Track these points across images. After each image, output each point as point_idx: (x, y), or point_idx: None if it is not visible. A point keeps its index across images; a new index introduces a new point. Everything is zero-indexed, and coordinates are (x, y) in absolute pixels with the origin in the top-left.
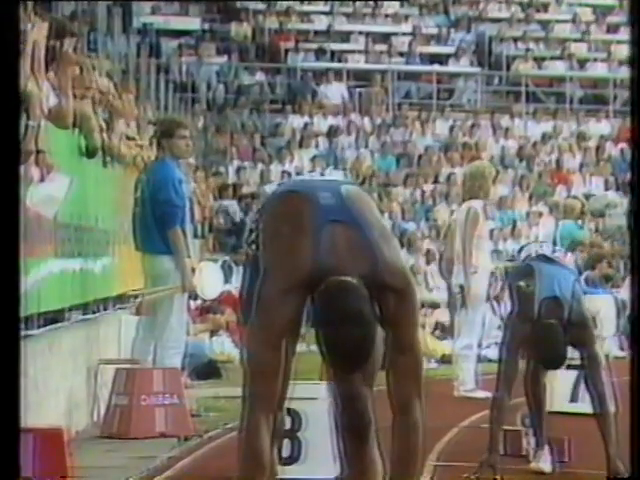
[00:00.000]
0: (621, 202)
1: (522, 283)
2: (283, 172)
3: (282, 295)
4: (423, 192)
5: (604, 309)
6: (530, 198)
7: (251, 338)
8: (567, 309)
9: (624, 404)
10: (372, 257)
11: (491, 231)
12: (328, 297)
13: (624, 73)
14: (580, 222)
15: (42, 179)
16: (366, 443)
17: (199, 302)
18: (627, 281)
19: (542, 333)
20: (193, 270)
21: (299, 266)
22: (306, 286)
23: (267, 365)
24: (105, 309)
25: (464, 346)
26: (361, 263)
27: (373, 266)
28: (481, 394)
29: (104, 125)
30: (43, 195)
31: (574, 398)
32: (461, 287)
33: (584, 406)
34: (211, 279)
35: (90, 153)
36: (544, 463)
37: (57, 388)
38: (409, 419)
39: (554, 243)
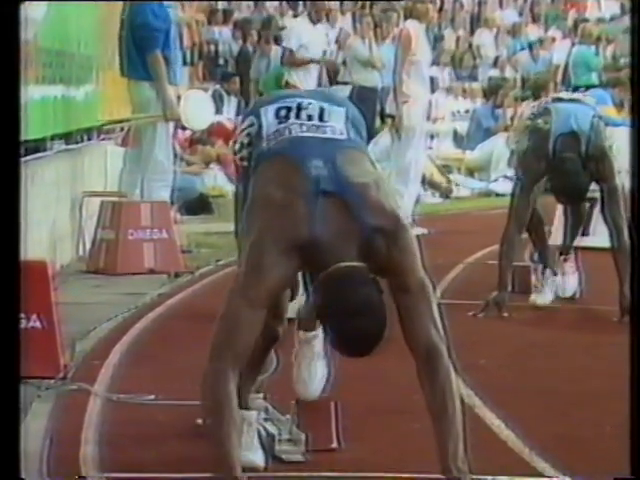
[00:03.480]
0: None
1: (539, 120)
2: None
3: (272, 259)
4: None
5: (620, 141)
6: (545, 22)
7: (234, 292)
8: (584, 143)
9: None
10: (365, 224)
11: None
12: (331, 287)
13: None
14: (595, 47)
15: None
16: None
17: (188, 133)
18: None
19: (560, 167)
20: (178, 98)
21: (293, 232)
22: (299, 252)
23: (243, 322)
24: (89, 139)
25: (398, 181)
26: (354, 236)
27: (366, 230)
28: (418, 230)
29: None
30: (21, 17)
31: (586, 232)
32: (391, 117)
33: (595, 239)
34: (199, 108)
35: None
36: (542, 297)
37: (39, 220)
38: (437, 365)
39: (565, 69)
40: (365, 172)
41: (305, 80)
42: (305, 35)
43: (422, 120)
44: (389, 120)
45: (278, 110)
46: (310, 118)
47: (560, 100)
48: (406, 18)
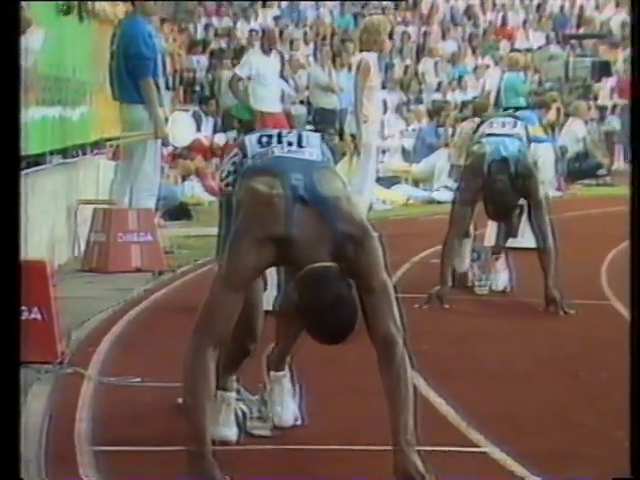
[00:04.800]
0: (561, 55)
1: (475, 147)
2: (251, 31)
3: (251, 244)
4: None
5: (545, 156)
6: (474, 52)
7: (216, 279)
8: (513, 165)
9: (563, 239)
10: (336, 230)
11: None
12: (309, 284)
13: None
14: (523, 74)
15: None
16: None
17: (171, 149)
18: (565, 128)
19: (492, 186)
20: (166, 119)
21: (271, 226)
22: (275, 245)
23: (224, 304)
24: (84, 154)
25: (355, 190)
26: (326, 241)
27: (337, 236)
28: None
29: None
30: (21, 47)
31: (515, 235)
32: (352, 136)
33: (523, 241)
34: (183, 127)
35: (66, 10)
36: (479, 290)
37: (40, 225)
38: (393, 353)
39: (498, 93)
40: (337, 188)
41: (267, 104)
42: (257, 64)
43: (377, 138)
44: (350, 138)
45: (260, 137)
46: (290, 144)
47: (492, 135)
48: (363, 49)
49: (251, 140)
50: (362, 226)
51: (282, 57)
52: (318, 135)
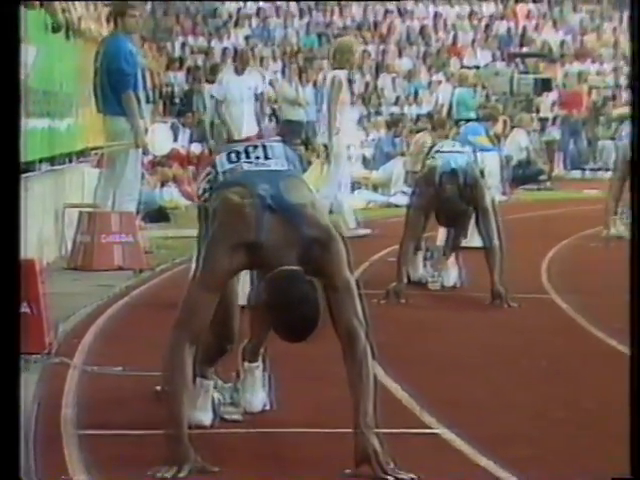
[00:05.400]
0: (506, 71)
1: (428, 161)
2: (224, 49)
3: (225, 250)
4: None
5: (491, 164)
6: (428, 69)
7: (194, 281)
8: (462, 176)
9: (507, 239)
10: (302, 235)
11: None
12: (276, 285)
13: None
14: (472, 89)
15: None
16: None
17: (151, 157)
18: (510, 138)
19: (442, 195)
20: (146, 130)
21: (242, 232)
22: (247, 250)
23: (200, 303)
24: (70, 162)
25: (325, 195)
26: (294, 244)
27: (303, 239)
28: (362, 232)
29: (65, 5)
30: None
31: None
32: (325, 146)
33: (472, 241)
34: (161, 138)
35: (55, 29)
36: (433, 285)
37: (30, 227)
38: (356, 345)
39: (450, 107)
40: (303, 195)
41: (242, 124)
42: (230, 85)
43: (346, 147)
44: (322, 147)
45: (229, 155)
46: (257, 158)
47: (443, 152)
48: (335, 67)
49: (221, 158)
50: (327, 230)
51: (263, 77)
52: (282, 145)
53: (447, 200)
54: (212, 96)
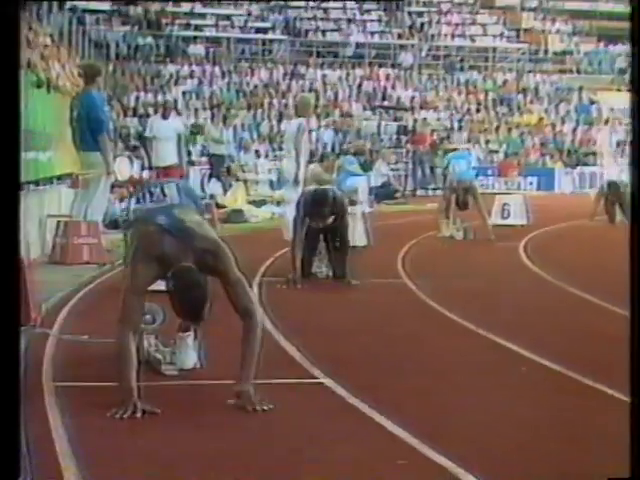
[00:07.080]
0: (374, 118)
1: (311, 187)
2: (165, 101)
3: (142, 265)
4: (255, 113)
5: (362, 185)
6: (317, 117)
7: (125, 287)
8: (331, 195)
9: (374, 239)
10: (194, 247)
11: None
12: (177, 276)
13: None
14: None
15: None
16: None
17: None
18: (375, 167)
19: (313, 212)
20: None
21: (152, 249)
22: (159, 262)
23: (132, 304)
24: (51, 184)
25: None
26: (190, 254)
27: (196, 250)
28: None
29: (46, 65)
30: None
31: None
32: (295, 177)
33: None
34: (124, 168)
35: (39, 85)
36: (320, 274)
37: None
38: (250, 322)
39: (333, 144)
40: (192, 220)
41: (165, 158)
42: (157, 127)
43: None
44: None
45: (137, 199)
46: (158, 197)
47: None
48: (299, 116)
49: (132, 202)
50: (214, 241)
51: (183, 122)
52: (174, 184)
53: (317, 213)
54: (145, 135)
